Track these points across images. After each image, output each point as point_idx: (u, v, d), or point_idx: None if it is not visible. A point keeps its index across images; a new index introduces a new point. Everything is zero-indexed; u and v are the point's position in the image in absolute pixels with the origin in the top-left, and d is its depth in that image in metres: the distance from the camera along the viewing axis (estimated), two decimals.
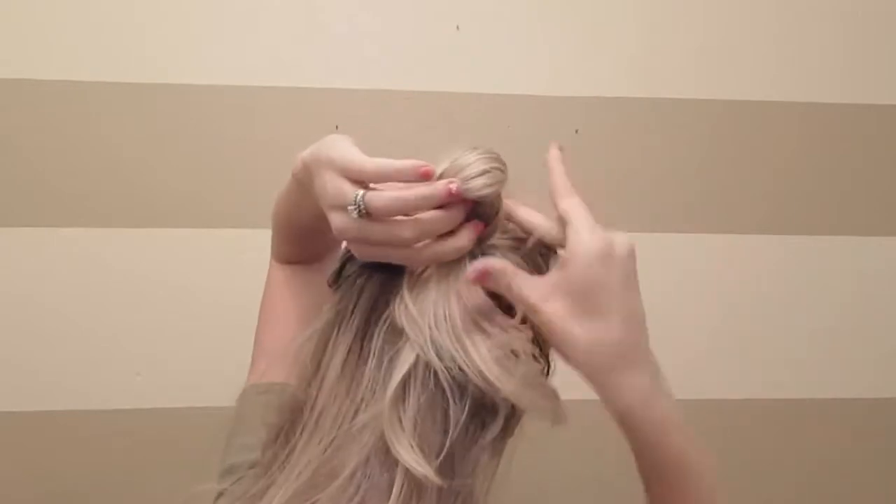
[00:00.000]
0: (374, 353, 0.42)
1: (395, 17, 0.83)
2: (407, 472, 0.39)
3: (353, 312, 0.43)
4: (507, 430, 0.44)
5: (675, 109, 0.86)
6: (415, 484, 0.39)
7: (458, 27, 0.83)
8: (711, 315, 0.90)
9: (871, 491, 0.93)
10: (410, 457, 0.38)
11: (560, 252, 0.42)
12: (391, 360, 0.41)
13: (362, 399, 0.41)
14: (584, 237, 0.40)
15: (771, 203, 0.89)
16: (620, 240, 0.41)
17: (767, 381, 0.91)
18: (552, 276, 0.41)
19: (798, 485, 0.92)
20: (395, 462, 0.39)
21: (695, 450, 0.42)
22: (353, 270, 0.44)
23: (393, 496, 0.39)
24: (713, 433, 0.90)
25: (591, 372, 0.41)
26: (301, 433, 0.42)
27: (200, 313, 0.83)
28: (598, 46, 0.85)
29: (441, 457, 0.40)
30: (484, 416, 0.42)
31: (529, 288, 0.40)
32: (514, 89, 0.84)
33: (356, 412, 0.41)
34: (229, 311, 0.83)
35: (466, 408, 0.41)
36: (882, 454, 0.93)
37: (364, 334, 0.42)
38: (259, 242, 0.82)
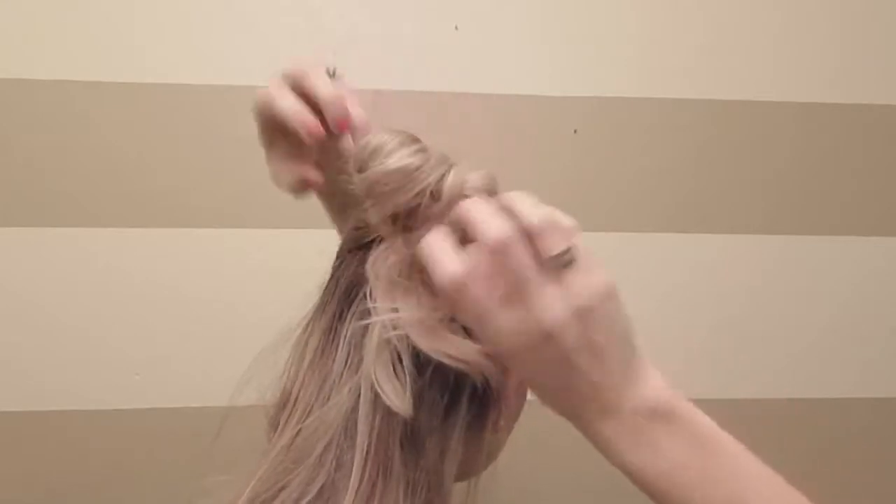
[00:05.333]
0: (344, 338, 0.42)
1: (394, 17, 0.83)
2: (370, 449, 0.39)
3: (329, 302, 0.44)
4: (480, 416, 0.44)
5: (675, 109, 0.86)
6: (380, 463, 0.39)
7: (456, 27, 0.83)
8: (711, 315, 0.90)
9: (871, 491, 0.93)
10: (389, 387, 0.39)
11: None
12: (361, 338, 0.41)
13: (332, 384, 0.41)
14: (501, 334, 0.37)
15: (771, 203, 0.89)
16: (509, 347, 0.37)
17: (767, 381, 0.91)
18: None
19: (797, 485, 0.92)
20: (356, 441, 0.40)
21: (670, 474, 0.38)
22: (334, 264, 0.45)
23: (355, 475, 0.39)
24: None
25: None
26: (282, 421, 0.43)
27: (199, 313, 0.83)
28: (597, 46, 0.85)
29: (409, 428, 0.40)
30: (450, 392, 0.42)
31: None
32: (511, 89, 0.84)
33: (326, 395, 0.41)
34: (229, 312, 0.83)
35: (427, 377, 0.41)
36: (882, 454, 0.93)
37: (338, 320, 0.43)
38: (259, 242, 0.83)
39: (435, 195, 0.40)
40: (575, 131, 0.85)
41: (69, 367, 0.82)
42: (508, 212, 0.36)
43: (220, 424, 0.48)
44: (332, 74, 0.46)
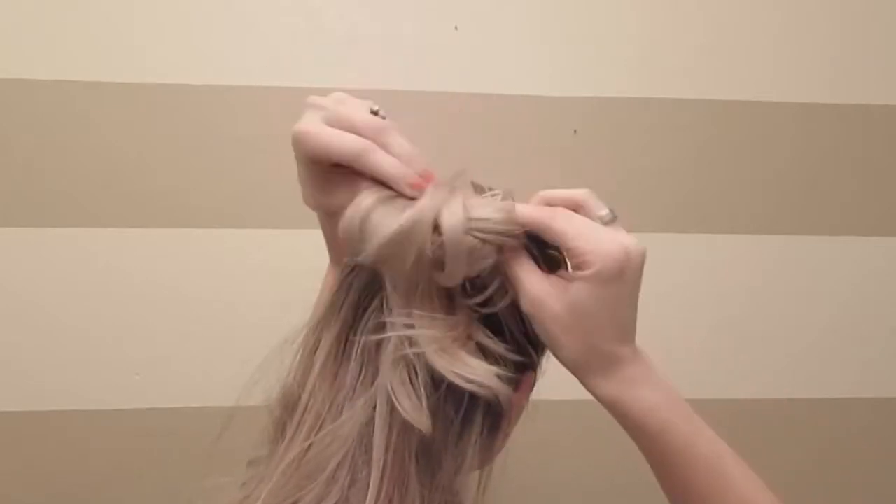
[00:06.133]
0: (357, 349, 0.41)
1: (394, 17, 0.83)
2: (386, 465, 0.39)
3: (341, 308, 0.43)
4: (494, 429, 0.44)
5: (675, 109, 0.86)
6: (396, 480, 0.39)
7: (456, 27, 0.83)
8: (711, 315, 0.90)
9: (871, 491, 0.93)
10: (407, 403, 0.38)
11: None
12: (376, 350, 0.41)
13: (346, 396, 0.41)
14: (598, 258, 0.39)
15: (771, 203, 0.89)
16: (633, 253, 0.41)
17: (767, 381, 0.91)
18: (560, 281, 0.41)
19: (797, 484, 0.92)
20: (371, 457, 0.39)
21: (709, 445, 0.43)
22: (348, 268, 0.44)
23: (371, 491, 0.38)
24: None
25: (578, 371, 0.42)
26: (290, 429, 0.42)
27: (199, 313, 0.83)
28: (597, 46, 0.85)
29: (425, 444, 0.40)
30: (465, 410, 0.42)
31: (534, 283, 0.41)
32: (511, 89, 0.84)
33: (339, 408, 0.41)
34: (228, 311, 0.83)
35: (442, 394, 0.40)
36: (882, 454, 0.93)
37: (350, 329, 0.42)
38: (259, 242, 0.83)
39: (438, 230, 0.39)
40: (575, 131, 0.85)
41: (69, 367, 0.82)
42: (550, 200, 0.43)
43: (223, 425, 0.48)
44: (375, 113, 0.44)
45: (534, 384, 0.48)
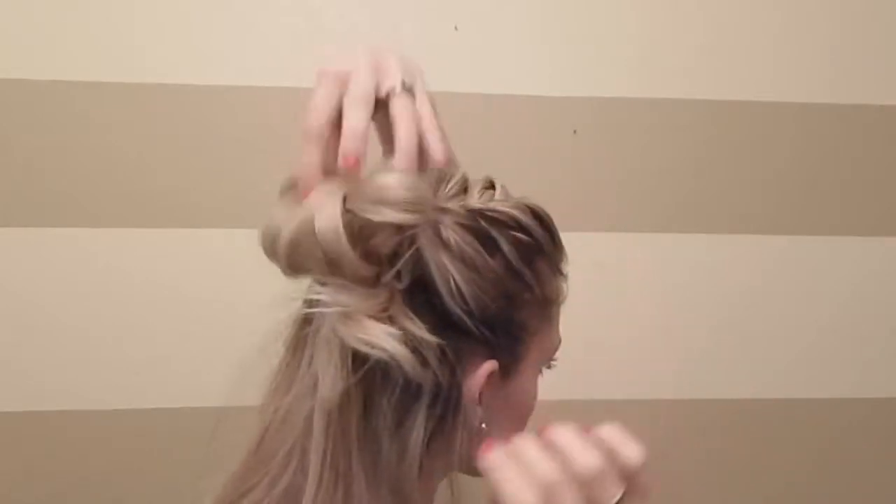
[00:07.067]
0: (309, 338, 0.43)
1: (394, 17, 0.83)
2: (326, 451, 0.40)
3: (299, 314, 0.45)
4: (444, 420, 0.43)
5: (674, 109, 0.86)
6: (338, 466, 0.40)
7: (456, 27, 0.83)
8: (711, 315, 0.90)
9: (871, 491, 0.93)
10: (327, 381, 0.40)
11: None
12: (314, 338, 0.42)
13: (298, 386, 0.42)
14: None
15: (771, 203, 0.89)
16: None
17: (767, 381, 0.91)
18: None
19: (798, 485, 0.92)
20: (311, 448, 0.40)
21: None
22: None
23: (312, 476, 0.39)
24: (713, 433, 0.90)
25: None
26: (259, 421, 0.44)
27: (199, 313, 0.83)
28: (597, 46, 0.85)
29: (363, 430, 0.41)
30: (399, 396, 0.42)
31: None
32: (511, 89, 0.84)
33: (292, 396, 0.42)
34: (228, 312, 0.83)
35: (376, 377, 0.41)
36: (882, 454, 0.93)
37: (305, 321, 0.44)
38: (258, 242, 0.83)
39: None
40: (575, 131, 0.85)
41: (69, 367, 0.82)
42: (561, 454, 0.36)
43: (215, 425, 0.49)
44: (406, 87, 0.46)
45: (495, 371, 0.44)
